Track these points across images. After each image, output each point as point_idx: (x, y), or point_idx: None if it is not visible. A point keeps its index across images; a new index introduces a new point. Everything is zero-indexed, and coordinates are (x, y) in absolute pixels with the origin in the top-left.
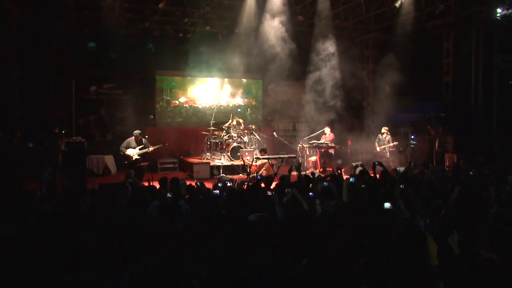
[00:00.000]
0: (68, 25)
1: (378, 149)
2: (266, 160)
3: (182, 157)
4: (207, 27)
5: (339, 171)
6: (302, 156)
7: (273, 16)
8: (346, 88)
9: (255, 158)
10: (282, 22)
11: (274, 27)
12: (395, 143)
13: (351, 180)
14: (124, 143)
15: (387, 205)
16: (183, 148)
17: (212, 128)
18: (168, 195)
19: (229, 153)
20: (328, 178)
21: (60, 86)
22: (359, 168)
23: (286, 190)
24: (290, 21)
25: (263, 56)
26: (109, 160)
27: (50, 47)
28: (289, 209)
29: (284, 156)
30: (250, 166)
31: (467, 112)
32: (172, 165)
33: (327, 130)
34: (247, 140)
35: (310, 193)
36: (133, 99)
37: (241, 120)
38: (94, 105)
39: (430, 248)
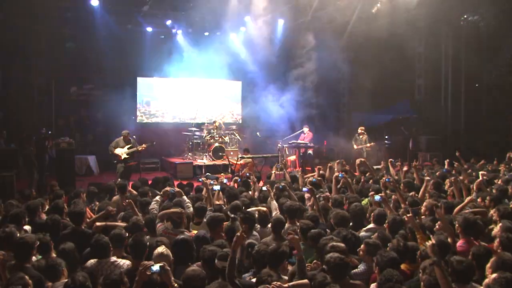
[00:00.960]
0: (48, 25)
1: (355, 147)
2: (250, 160)
3: (163, 157)
4: (189, 30)
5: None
6: (282, 156)
7: (256, 18)
8: (324, 89)
9: (240, 157)
10: (264, 23)
11: (256, 29)
12: (372, 143)
13: (340, 175)
14: (113, 143)
15: (377, 197)
16: (164, 148)
17: (194, 128)
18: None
19: (211, 153)
20: (315, 176)
21: (40, 86)
22: (341, 167)
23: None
24: (272, 23)
25: (244, 57)
26: (92, 160)
27: (30, 47)
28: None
29: (267, 155)
30: (235, 165)
31: (438, 113)
32: (154, 165)
33: (305, 129)
34: (228, 140)
35: (304, 189)
36: (113, 99)
37: (222, 123)
38: (75, 105)
39: None
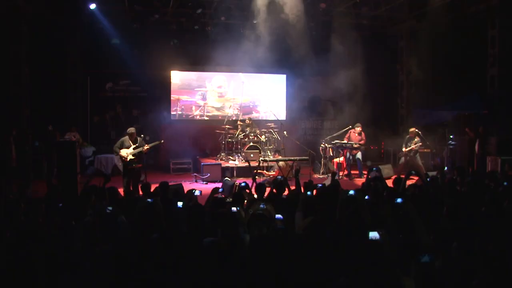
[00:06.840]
0: (81, 20)
1: (404, 150)
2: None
3: (198, 157)
4: (222, 18)
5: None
6: (325, 157)
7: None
8: (378, 83)
9: (262, 160)
10: (305, 12)
11: (296, 18)
12: (419, 143)
13: (350, 192)
14: (118, 143)
15: (373, 234)
16: (200, 147)
17: (227, 126)
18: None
19: (244, 154)
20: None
21: (74, 83)
22: (373, 173)
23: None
24: (314, 11)
25: (285, 50)
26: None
27: (63, 43)
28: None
29: (295, 158)
30: (256, 168)
31: None
32: (186, 166)
33: (357, 128)
34: (264, 139)
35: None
36: (149, 95)
37: (248, 121)
38: (110, 102)
39: None
